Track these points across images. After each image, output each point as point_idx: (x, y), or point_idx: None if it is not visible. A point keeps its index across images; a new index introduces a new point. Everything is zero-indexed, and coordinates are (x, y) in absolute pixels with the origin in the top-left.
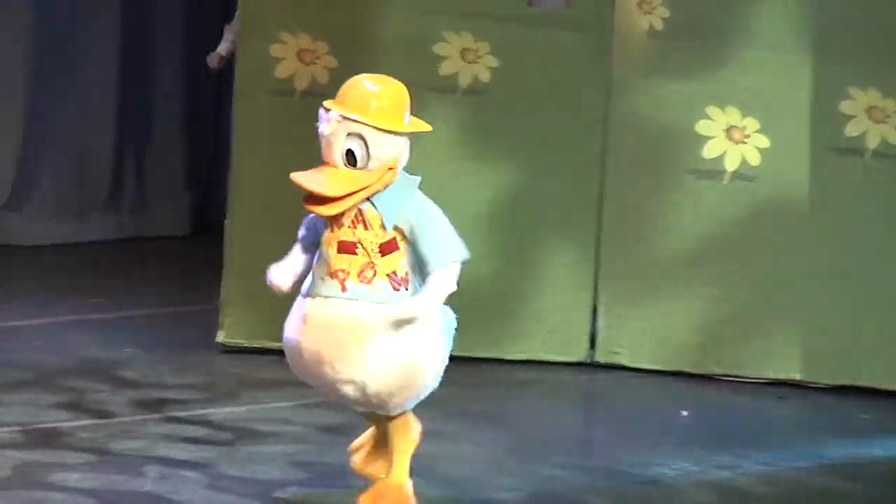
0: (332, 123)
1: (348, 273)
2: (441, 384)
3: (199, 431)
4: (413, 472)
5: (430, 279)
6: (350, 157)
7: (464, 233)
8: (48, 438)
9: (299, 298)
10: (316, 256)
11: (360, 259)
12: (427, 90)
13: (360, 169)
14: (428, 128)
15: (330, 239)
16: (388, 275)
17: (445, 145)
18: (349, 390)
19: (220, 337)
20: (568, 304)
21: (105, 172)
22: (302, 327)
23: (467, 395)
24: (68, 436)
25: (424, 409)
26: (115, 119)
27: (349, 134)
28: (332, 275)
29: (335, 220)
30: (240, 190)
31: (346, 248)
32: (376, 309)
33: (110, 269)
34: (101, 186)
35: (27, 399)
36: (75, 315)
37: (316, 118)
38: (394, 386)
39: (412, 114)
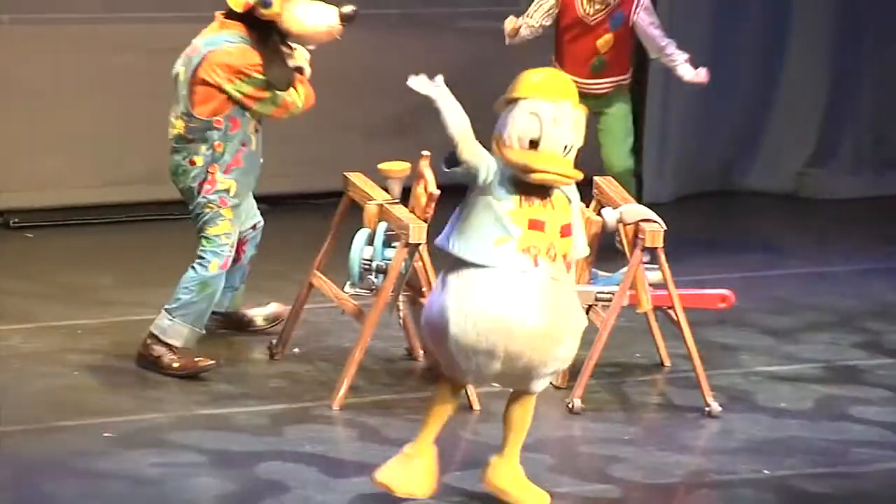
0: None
1: (540, 249)
2: None
3: None
4: None
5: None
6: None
7: None
8: (848, 375)
9: (469, 269)
10: (482, 224)
11: (547, 237)
12: None
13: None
14: None
15: (518, 214)
16: (563, 255)
17: None
18: (552, 366)
19: None
20: None
21: None
22: (517, 301)
23: None
24: (866, 373)
25: None
26: None
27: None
28: (525, 250)
29: (530, 195)
30: None
31: (537, 225)
32: (571, 286)
33: None
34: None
35: (830, 338)
36: (878, 264)
37: None
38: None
39: None
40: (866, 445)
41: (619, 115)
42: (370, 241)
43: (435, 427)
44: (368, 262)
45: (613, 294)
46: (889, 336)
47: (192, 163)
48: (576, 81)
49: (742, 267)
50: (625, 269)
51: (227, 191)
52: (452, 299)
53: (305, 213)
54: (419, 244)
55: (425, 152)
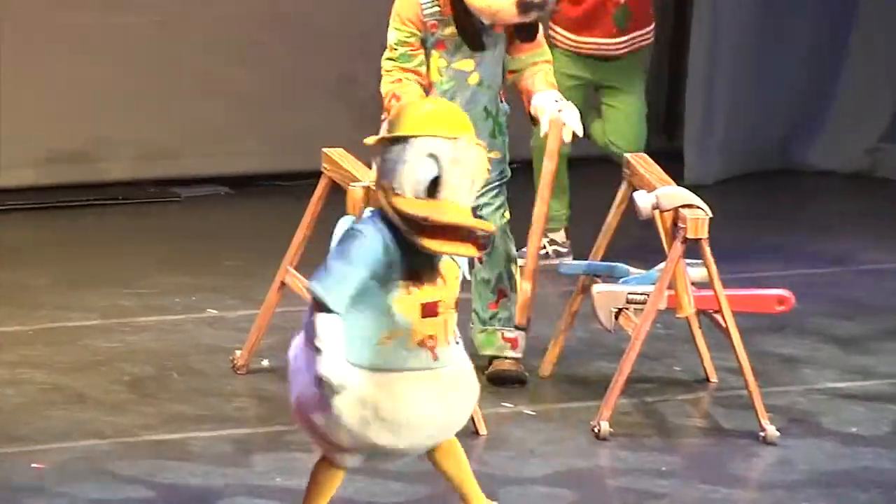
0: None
1: (437, 339)
2: None
3: None
4: None
5: None
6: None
7: None
8: None
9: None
10: (359, 316)
11: (442, 319)
12: None
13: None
14: None
15: (405, 302)
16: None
17: None
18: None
19: None
20: None
21: None
22: (421, 408)
23: None
24: None
25: None
26: None
27: None
28: (420, 343)
29: (418, 270)
30: None
31: (430, 310)
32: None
33: None
34: None
35: None
36: None
37: None
38: None
39: None
40: None
41: (635, 87)
42: None
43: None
44: None
45: (648, 295)
46: None
47: None
48: (587, 43)
49: (804, 262)
50: (662, 266)
51: None
52: (344, 403)
53: (277, 198)
54: None
55: None
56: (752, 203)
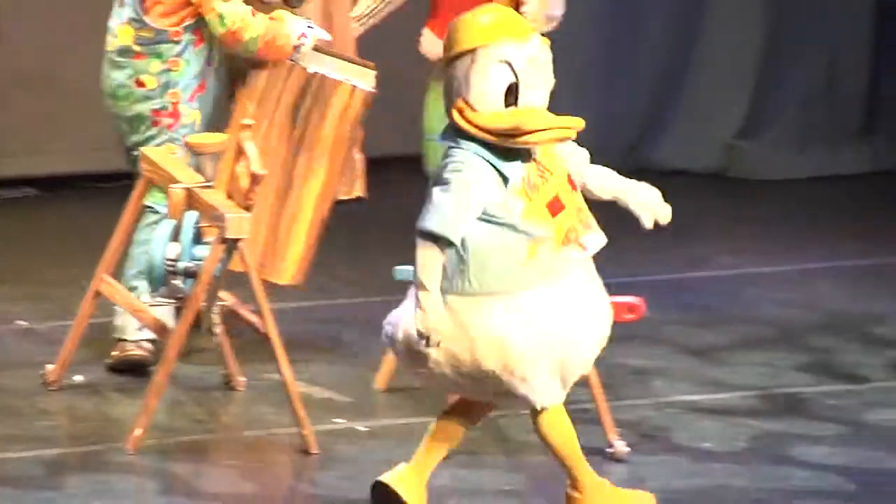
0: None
1: (573, 228)
2: None
3: None
4: None
5: None
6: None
7: None
8: (790, 406)
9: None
10: (495, 248)
11: (572, 210)
12: None
13: None
14: None
15: (532, 209)
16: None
17: None
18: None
19: None
20: None
21: (858, 94)
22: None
23: None
24: (812, 402)
25: None
26: (872, 28)
27: None
28: (564, 242)
29: (529, 174)
30: None
31: (556, 206)
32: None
33: (863, 206)
34: (853, 110)
35: (766, 359)
36: (825, 262)
37: None
38: None
39: None
40: (813, 496)
41: None
42: (175, 237)
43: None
44: (174, 263)
45: None
46: (840, 356)
47: (141, 83)
48: None
49: (656, 267)
50: None
51: (191, 125)
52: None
53: (91, 200)
54: (239, 239)
55: (247, 121)
56: (600, 206)
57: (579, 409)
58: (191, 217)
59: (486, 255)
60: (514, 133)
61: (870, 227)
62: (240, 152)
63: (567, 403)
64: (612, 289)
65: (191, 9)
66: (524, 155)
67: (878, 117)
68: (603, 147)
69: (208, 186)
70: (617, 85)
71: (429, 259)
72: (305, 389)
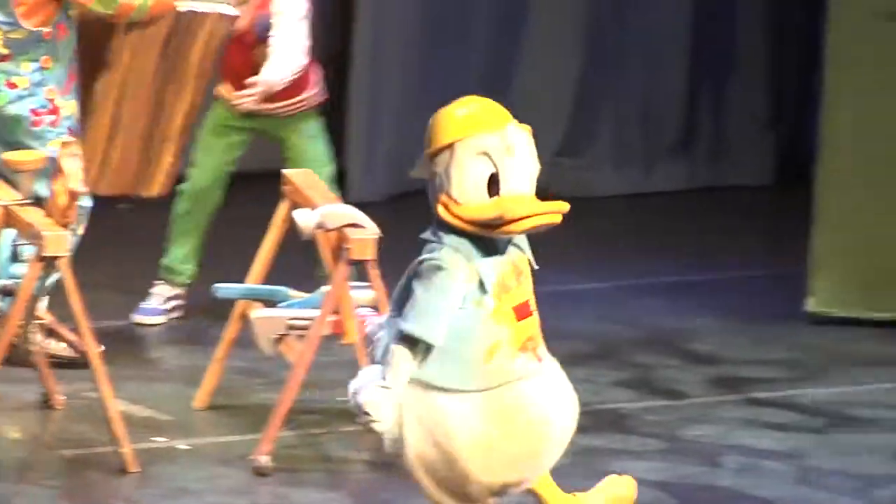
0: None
1: (535, 338)
2: None
3: (784, 416)
4: None
5: None
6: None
7: None
8: (611, 421)
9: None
10: (475, 343)
11: (534, 318)
12: None
13: None
14: None
15: (499, 311)
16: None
17: None
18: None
19: (810, 305)
20: None
21: (674, 113)
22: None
23: None
24: (632, 418)
25: None
26: (689, 50)
27: None
28: (522, 348)
29: (502, 272)
30: (832, 130)
31: (524, 311)
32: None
33: (679, 223)
34: (670, 129)
35: (585, 375)
36: (644, 279)
37: None
38: None
39: None
40: None
41: (311, 139)
42: None
43: None
44: None
45: (311, 321)
46: (659, 371)
47: (12, 85)
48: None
49: None
50: (326, 289)
51: (72, 116)
52: (457, 436)
53: None
54: (58, 257)
55: (67, 137)
56: (421, 222)
57: None
58: (8, 235)
59: (449, 349)
60: (498, 222)
61: (686, 243)
62: (59, 170)
63: None
64: None
65: (54, 4)
66: (502, 251)
67: (693, 136)
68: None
69: (26, 204)
70: (438, 103)
71: (402, 360)
72: (125, 408)
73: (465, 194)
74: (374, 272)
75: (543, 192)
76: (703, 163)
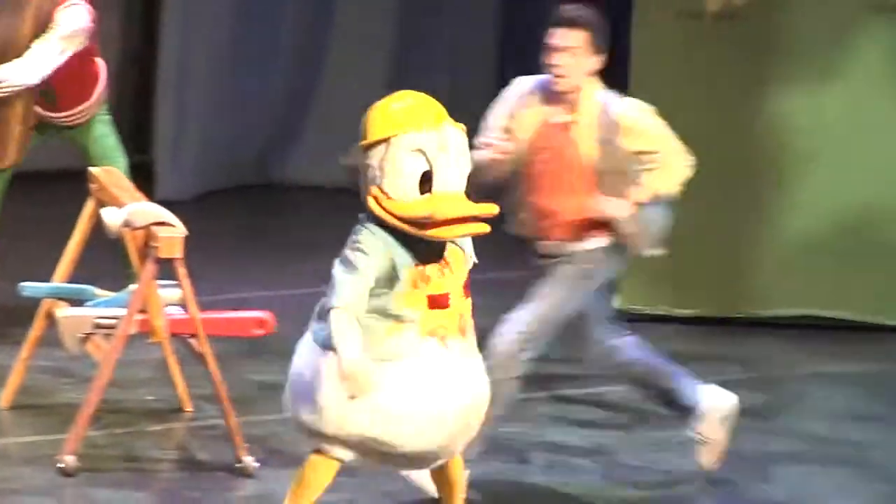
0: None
1: (448, 328)
2: (877, 359)
3: (591, 413)
4: (843, 463)
5: None
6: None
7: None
8: None
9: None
10: (384, 321)
11: (454, 311)
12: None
13: None
14: None
15: (412, 296)
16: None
17: (886, 75)
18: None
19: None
20: None
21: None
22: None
23: None
24: None
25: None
26: (495, 45)
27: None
28: (430, 333)
29: (424, 263)
30: None
31: (439, 302)
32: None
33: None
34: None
35: None
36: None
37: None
38: None
39: None
40: None
41: (101, 138)
42: None
43: None
44: None
45: (118, 319)
46: None
47: None
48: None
49: (287, 282)
50: (133, 287)
51: None
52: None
53: None
54: None
55: None
56: (232, 220)
57: (208, 426)
58: None
59: (363, 327)
60: (427, 221)
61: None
62: None
63: (197, 420)
64: (247, 303)
65: None
66: (429, 248)
67: None
68: (233, 163)
69: None
70: (248, 102)
71: (342, 322)
72: None
73: (396, 189)
74: (181, 270)
75: (354, 190)
76: None
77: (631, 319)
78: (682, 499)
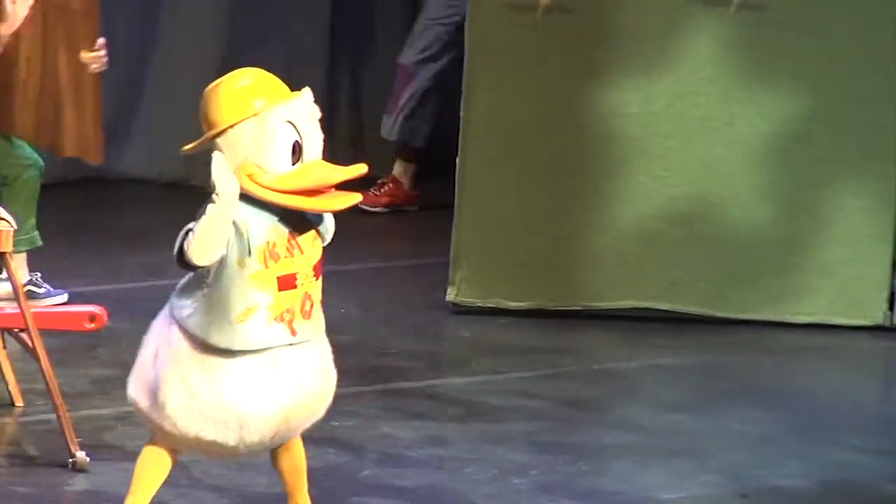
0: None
1: (294, 311)
2: (711, 351)
3: (424, 406)
4: (676, 454)
5: None
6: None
7: (737, 171)
8: None
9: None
10: (233, 301)
11: (300, 291)
12: (693, 2)
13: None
14: None
15: (263, 275)
16: (317, 301)
17: (714, 68)
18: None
19: (451, 295)
20: (862, 258)
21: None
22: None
23: (740, 365)
24: None
25: (677, 381)
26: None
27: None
28: (279, 318)
29: (276, 242)
30: (471, 121)
31: (288, 282)
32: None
33: None
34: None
35: None
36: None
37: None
38: None
39: None
40: None
41: None
42: None
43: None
44: None
45: None
46: None
47: None
48: None
49: (120, 275)
50: None
51: None
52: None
53: None
54: None
55: None
56: (62, 213)
57: (40, 421)
58: None
59: (212, 303)
60: (313, 189)
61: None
62: None
63: (28, 415)
64: (79, 297)
65: None
66: (286, 220)
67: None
68: (62, 158)
69: None
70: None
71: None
72: None
73: (271, 164)
74: (10, 263)
75: (185, 184)
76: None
77: (464, 312)
78: (515, 492)
